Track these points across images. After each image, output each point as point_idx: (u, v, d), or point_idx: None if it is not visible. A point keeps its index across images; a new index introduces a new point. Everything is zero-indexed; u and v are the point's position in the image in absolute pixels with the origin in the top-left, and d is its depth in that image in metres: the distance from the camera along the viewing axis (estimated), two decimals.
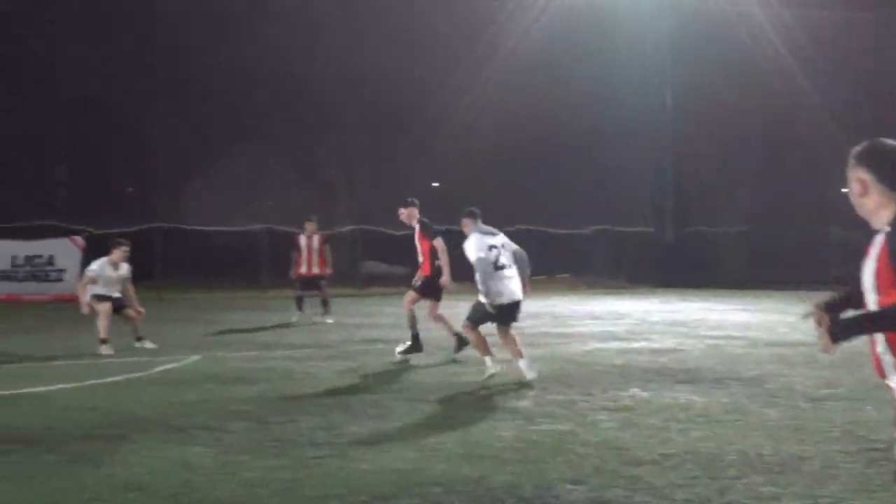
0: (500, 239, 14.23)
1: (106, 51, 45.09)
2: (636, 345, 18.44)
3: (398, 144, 49.74)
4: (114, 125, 46.86)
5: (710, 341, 18.96)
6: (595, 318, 25.56)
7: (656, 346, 18.20)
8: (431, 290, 16.31)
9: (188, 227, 40.07)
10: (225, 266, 40.66)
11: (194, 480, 7.94)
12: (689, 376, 14.01)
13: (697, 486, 7.68)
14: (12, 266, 34.55)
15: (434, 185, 54.69)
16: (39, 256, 34.93)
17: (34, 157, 48.10)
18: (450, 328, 16.21)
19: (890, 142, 4.55)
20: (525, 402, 11.81)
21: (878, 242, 4.37)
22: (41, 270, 34.80)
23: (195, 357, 15.15)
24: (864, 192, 4.51)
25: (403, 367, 15.38)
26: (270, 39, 43.97)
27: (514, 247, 14.26)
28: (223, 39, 44.79)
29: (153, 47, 46.81)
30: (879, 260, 4.33)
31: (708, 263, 44.80)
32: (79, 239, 35.66)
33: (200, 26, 45.92)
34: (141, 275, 40.00)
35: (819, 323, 4.56)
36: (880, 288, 4.30)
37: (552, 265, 42.10)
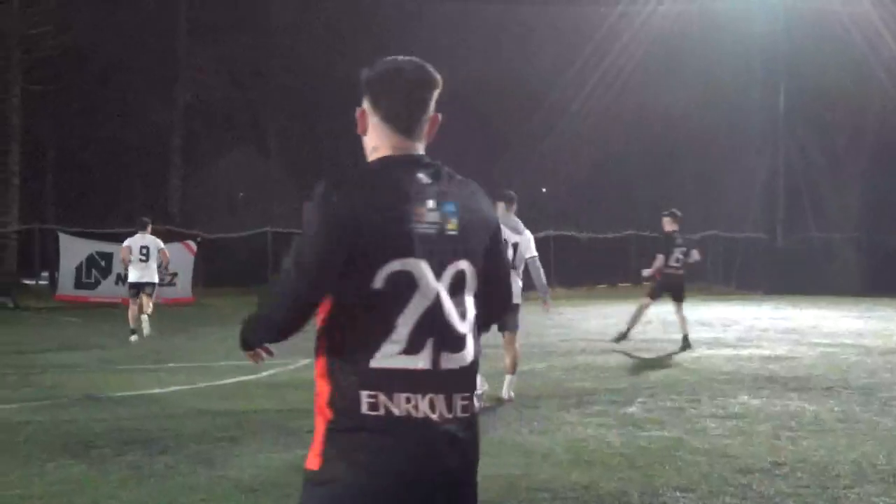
0: (524, 238, 12.77)
1: (220, 56, 45.79)
2: (746, 352, 18.25)
3: (506, 149, 49.73)
4: (226, 130, 47.59)
5: (822, 349, 18.68)
6: (704, 324, 25.31)
7: (766, 353, 17.99)
8: None
9: (300, 231, 40.45)
10: None
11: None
12: (800, 384, 13.84)
13: (808, 495, 7.60)
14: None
15: (542, 190, 54.62)
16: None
17: (149, 163, 49.05)
18: None
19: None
20: (633, 409, 11.77)
21: None
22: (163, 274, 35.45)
23: (304, 361, 15.32)
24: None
25: None
26: (382, 51, 44.29)
27: (532, 254, 12.85)
28: (327, 48, 45.22)
29: (267, 54, 47.42)
30: None
31: (820, 270, 44.02)
32: (191, 244, 36.30)
33: (310, 33, 46.47)
34: (254, 279, 40.75)
35: None
36: None
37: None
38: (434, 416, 3.16)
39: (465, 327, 3.27)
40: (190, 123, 47.06)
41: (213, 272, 40.07)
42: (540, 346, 17.48)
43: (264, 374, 14.73)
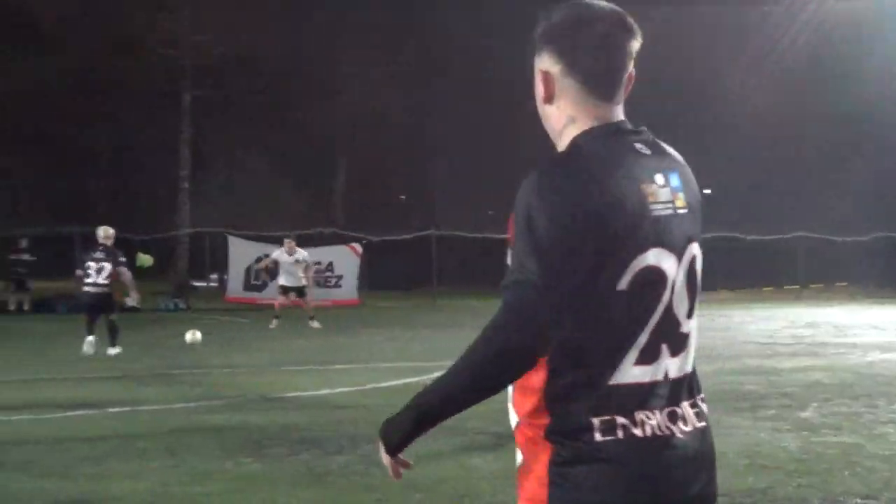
0: None
1: (385, 60, 46.28)
2: None
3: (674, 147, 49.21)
4: (391, 134, 48.10)
5: None
6: (876, 327, 24.61)
7: None
8: None
9: (464, 235, 40.64)
10: (499, 272, 41.06)
11: (477, 485, 8.07)
12: None
13: None
14: None
15: (706, 191, 53.80)
16: (319, 263, 36.18)
17: (313, 167, 49.90)
18: None
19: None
20: (808, 413, 11.50)
21: None
22: (321, 276, 36.03)
23: None
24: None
25: None
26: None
27: None
28: (489, 53, 45.31)
29: (430, 58, 47.76)
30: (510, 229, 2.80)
31: None
32: (357, 246, 36.77)
33: (473, 39, 46.63)
34: (418, 283, 41.13)
35: None
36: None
37: (830, 273, 40.81)
38: (676, 432, 2.68)
39: (690, 324, 2.79)
40: (354, 128, 47.67)
41: (377, 275, 40.53)
42: (706, 349, 17.17)
43: (429, 376, 14.82)
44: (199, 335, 18.41)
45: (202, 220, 43.65)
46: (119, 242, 21.17)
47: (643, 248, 2.60)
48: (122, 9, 41.37)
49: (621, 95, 2.79)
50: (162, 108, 44.90)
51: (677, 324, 2.72)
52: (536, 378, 2.62)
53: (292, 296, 26.27)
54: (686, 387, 2.78)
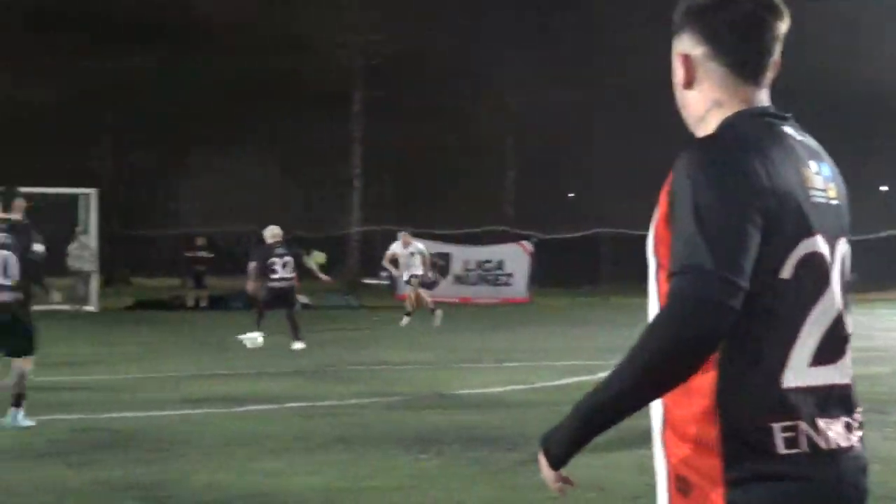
0: None
1: (550, 58, 46.21)
2: None
3: (847, 145, 47.93)
4: (560, 132, 47.99)
5: None
6: None
7: None
8: None
9: (633, 232, 40.27)
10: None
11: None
12: None
13: None
14: (465, 270, 36.09)
15: (882, 188, 52.27)
16: (489, 261, 36.29)
17: (483, 165, 50.12)
18: None
19: None
20: None
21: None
22: (491, 274, 36.14)
23: None
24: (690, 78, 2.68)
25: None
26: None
27: None
28: (657, 48, 44.76)
29: (594, 55, 47.49)
30: (659, 211, 2.56)
31: None
32: (527, 244, 36.75)
33: (641, 33, 46.18)
34: (587, 280, 40.96)
35: None
36: (661, 261, 2.55)
37: None
38: (854, 444, 2.50)
39: (850, 324, 2.58)
40: (522, 126, 47.69)
41: (546, 272, 40.46)
42: (878, 350, 16.71)
43: (600, 374, 14.70)
44: (260, 340, 18.44)
45: (373, 218, 44.21)
46: (293, 241, 21.69)
47: (804, 235, 2.46)
48: (294, 11, 42.16)
49: (768, 80, 2.63)
50: (333, 108, 45.65)
51: (843, 322, 2.54)
52: (705, 377, 2.40)
53: (414, 282, 25.81)
54: (854, 393, 2.57)
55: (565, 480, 2.60)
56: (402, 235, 26.19)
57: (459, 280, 36.04)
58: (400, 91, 44.39)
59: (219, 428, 10.69)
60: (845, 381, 2.54)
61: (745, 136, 2.47)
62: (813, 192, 2.51)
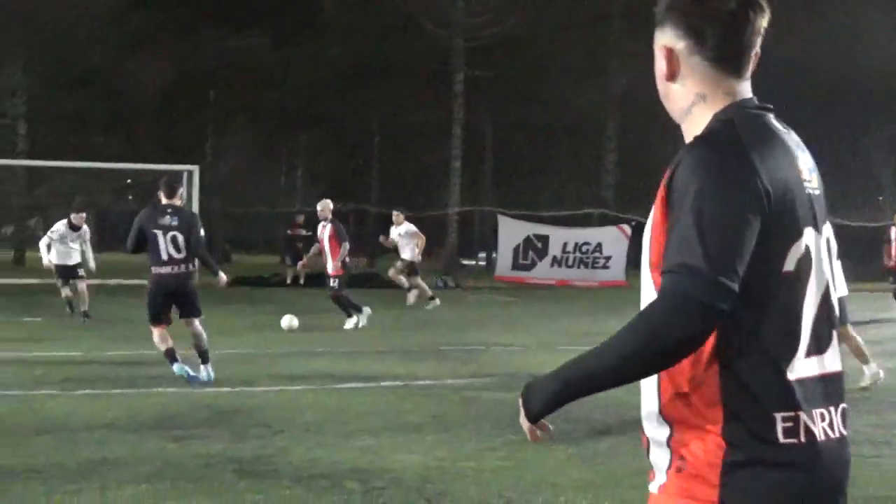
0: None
1: (650, 40, 45.76)
2: None
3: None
4: (661, 114, 47.50)
5: None
6: None
7: None
8: None
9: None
10: None
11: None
12: None
13: None
14: (563, 252, 36.01)
15: None
16: (588, 244, 36.14)
17: (582, 149, 49.94)
18: None
19: None
20: None
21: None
22: (589, 257, 36.00)
23: None
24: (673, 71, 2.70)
25: None
26: (815, 33, 42.76)
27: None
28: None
29: None
30: (657, 207, 2.57)
31: None
32: (626, 228, 36.52)
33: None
34: None
35: None
36: (653, 258, 2.57)
37: None
38: (844, 434, 2.56)
39: (837, 314, 2.64)
40: (623, 109, 47.32)
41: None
42: None
43: None
44: (295, 322, 18.42)
45: (472, 198, 44.24)
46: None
47: (803, 228, 2.52)
48: None
49: (749, 70, 2.65)
50: (434, 89, 45.72)
51: (832, 311, 2.61)
52: (711, 368, 2.45)
53: (400, 266, 24.75)
54: (843, 381, 2.63)
55: (542, 428, 2.68)
56: (395, 215, 24.96)
57: (557, 262, 35.97)
58: (500, 71, 44.28)
59: (316, 405, 10.81)
60: (836, 368, 2.60)
61: (743, 134, 2.50)
62: (807, 185, 2.58)
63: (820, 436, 2.48)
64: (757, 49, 2.64)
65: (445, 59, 43.76)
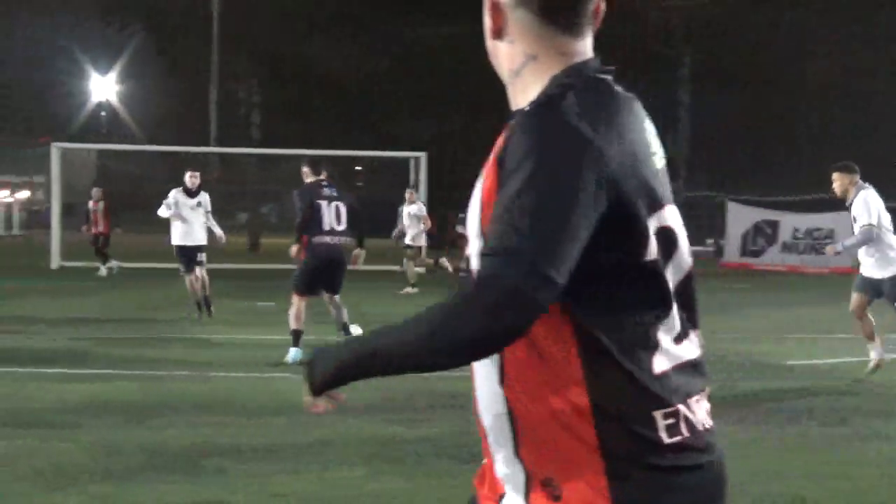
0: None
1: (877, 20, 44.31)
2: None
3: None
4: (888, 95, 46.05)
5: None
6: None
7: None
8: None
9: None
10: None
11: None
12: None
13: None
14: (793, 238, 35.23)
15: None
16: (819, 229, 35.20)
17: (812, 131, 48.76)
18: None
19: None
20: None
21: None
22: (821, 243, 35.06)
23: None
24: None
25: None
26: None
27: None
28: None
29: None
30: (486, 177, 2.20)
31: None
32: None
33: None
34: None
35: None
36: (484, 229, 2.15)
37: None
38: (713, 425, 2.28)
39: (696, 294, 2.33)
40: (849, 90, 46.02)
41: None
42: None
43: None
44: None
45: (698, 184, 43.67)
46: None
47: (657, 207, 2.20)
48: None
49: (589, 28, 2.29)
50: (656, 72, 45.32)
51: (694, 293, 2.29)
52: (572, 370, 2.12)
53: (410, 254, 24.01)
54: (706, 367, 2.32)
55: (330, 398, 2.31)
56: (409, 192, 24.59)
57: (787, 248, 35.24)
58: (725, 56, 43.54)
59: None
60: (700, 352, 2.30)
61: (585, 101, 2.14)
62: (656, 159, 2.26)
63: (700, 426, 2.20)
64: (598, 3, 2.29)
65: (668, 42, 43.28)
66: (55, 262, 29.42)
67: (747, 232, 35.72)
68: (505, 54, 2.31)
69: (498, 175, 2.11)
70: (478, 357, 2.12)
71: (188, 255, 17.23)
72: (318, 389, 2.28)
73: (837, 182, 11.84)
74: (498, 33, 2.29)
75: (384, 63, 46.66)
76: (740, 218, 36.25)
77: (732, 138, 52.10)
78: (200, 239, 17.45)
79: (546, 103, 2.14)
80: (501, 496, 2.26)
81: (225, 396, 10.15)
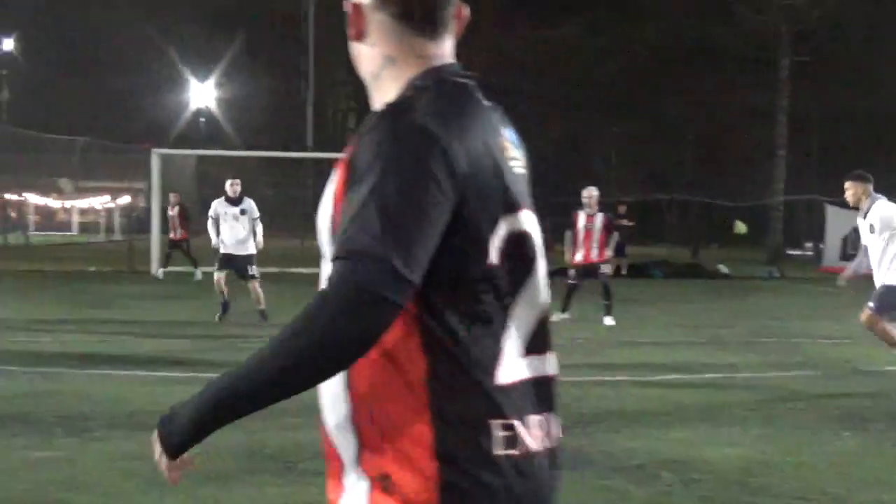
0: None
1: None
2: None
3: None
4: None
5: None
6: None
7: None
8: None
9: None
10: None
11: None
12: None
13: None
14: None
15: None
16: None
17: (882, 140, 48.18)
18: None
19: None
20: None
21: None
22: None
23: None
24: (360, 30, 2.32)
25: None
26: None
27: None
28: None
29: None
30: (336, 179, 2.18)
31: None
32: None
33: None
34: None
35: None
36: (335, 232, 2.15)
37: None
38: (556, 446, 2.26)
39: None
40: None
41: None
42: None
43: None
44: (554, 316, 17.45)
45: (797, 188, 43.07)
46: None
47: (509, 212, 2.17)
48: None
49: (449, 33, 2.29)
50: (755, 75, 44.80)
51: (547, 304, 2.28)
52: (414, 372, 2.10)
53: None
54: (558, 387, 2.29)
55: (184, 463, 2.25)
56: None
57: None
58: (826, 55, 42.88)
59: (636, 395, 10.75)
60: (552, 372, 2.26)
61: (439, 104, 2.14)
62: (512, 164, 2.23)
63: (535, 447, 2.16)
64: (459, 7, 2.31)
65: (766, 44, 42.74)
66: (154, 267, 29.79)
67: (847, 236, 35.15)
68: (366, 57, 2.32)
69: (347, 177, 2.11)
70: (343, 364, 2.06)
71: (237, 265, 16.94)
72: (177, 451, 2.21)
73: (850, 191, 11.75)
74: (359, 36, 2.30)
75: (486, 64, 46.81)
76: (840, 222, 35.65)
77: (831, 141, 51.36)
78: (250, 248, 17.08)
79: (397, 104, 2.15)
80: (344, 495, 2.21)
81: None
